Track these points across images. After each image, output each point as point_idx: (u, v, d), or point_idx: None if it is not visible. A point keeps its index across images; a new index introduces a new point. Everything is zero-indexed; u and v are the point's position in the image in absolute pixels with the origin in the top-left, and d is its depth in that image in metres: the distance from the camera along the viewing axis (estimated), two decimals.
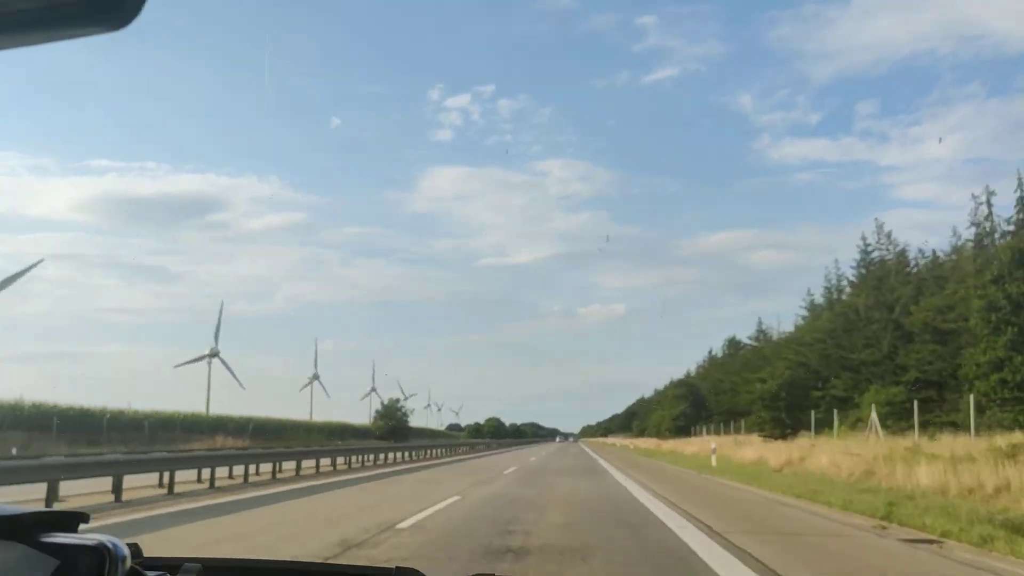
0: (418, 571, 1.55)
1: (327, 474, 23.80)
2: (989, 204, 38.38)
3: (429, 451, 41.42)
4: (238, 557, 1.65)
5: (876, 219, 69.69)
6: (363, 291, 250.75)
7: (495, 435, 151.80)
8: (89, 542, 0.85)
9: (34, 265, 49.32)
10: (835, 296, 65.55)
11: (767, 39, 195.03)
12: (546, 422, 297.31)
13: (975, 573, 7.57)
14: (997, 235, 37.46)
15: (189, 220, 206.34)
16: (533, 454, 47.79)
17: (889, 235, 56.70)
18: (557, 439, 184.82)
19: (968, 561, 8.13)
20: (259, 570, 1.64)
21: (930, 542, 9.42)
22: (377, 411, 75.25)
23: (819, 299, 66.42)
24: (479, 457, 42.90)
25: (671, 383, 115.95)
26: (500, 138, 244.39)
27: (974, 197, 39.55)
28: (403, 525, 10.57)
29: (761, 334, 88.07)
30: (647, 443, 62.76)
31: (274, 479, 21.00)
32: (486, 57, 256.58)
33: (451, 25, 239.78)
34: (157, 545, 6.73)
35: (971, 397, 24.33)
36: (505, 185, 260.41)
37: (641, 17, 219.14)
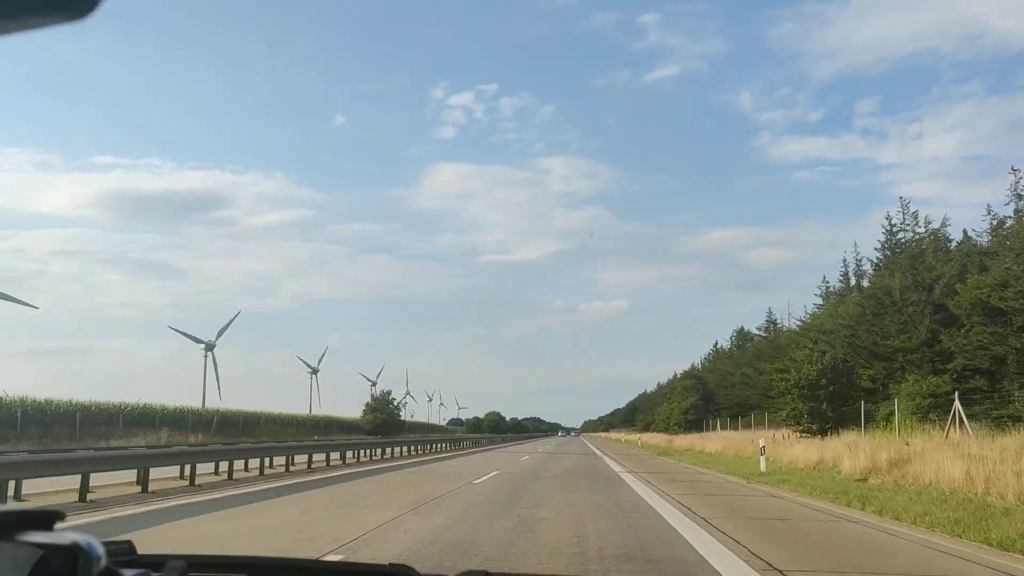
0: (411, 568, 1.52)
1: (271, 477, 19.38)
2: None
3: (406, 448, 36.83)
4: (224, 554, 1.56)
5: (901, 198, 65.04)
6: (367, 287, 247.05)
7: (495, 430, 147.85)
8: (63, 541, 0.82)
9: (25, 303, 46.35)
10: (853, 282, 61.45)
11: (768, 37, 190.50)
12: (548, 417, 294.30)
13: None
14: None
15: (194, 216, 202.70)
16: (529, 452, 42.73)
17: (915, 215, 52.91)
18: (560, 433, 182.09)
19: None
20: (246, 566, 1.57)
21: None
22: (367, 404, 70.66)
23: (837, 286, 62.93)
24: (464, 455, 37.26)
25: (679, 375, 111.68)
26: (503, 136, 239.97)
27: (1014, 170, 35.47)
28: None
29: (771, 325, 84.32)
30: (655, 439, 57.96)
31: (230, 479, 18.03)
32: (489, 56, 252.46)
33: (454, 24, 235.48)
34: None
35: None
36: (507, 182, 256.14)
37: (642, 16, 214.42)
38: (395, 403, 71.80)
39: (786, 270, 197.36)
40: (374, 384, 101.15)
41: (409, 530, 9.41)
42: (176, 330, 71.67)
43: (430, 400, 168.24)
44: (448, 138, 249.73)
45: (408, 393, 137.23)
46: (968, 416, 23.98)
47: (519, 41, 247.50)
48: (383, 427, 66.02)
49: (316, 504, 12.99)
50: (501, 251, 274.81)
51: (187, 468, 16.61)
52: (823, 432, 24.47)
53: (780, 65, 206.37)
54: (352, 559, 6.99)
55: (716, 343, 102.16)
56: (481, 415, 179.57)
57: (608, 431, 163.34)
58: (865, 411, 25.50)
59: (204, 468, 18.29)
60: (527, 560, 7.47)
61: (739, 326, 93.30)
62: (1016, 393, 30.92)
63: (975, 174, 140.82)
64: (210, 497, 13.87)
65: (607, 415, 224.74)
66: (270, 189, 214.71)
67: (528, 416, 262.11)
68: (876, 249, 53.43)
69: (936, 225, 45.33)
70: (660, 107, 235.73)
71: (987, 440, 16.95)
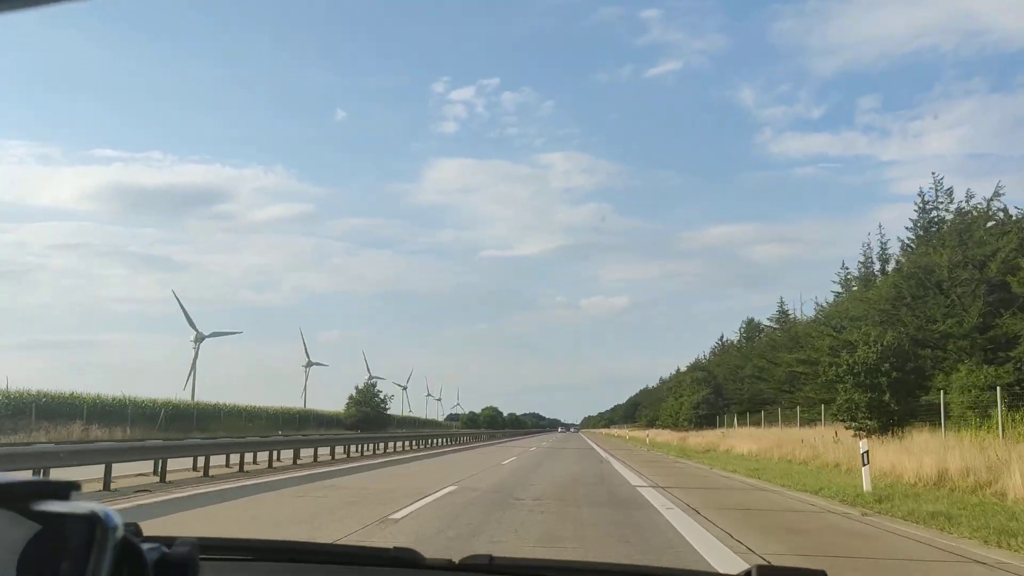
0: (416, 551, 1.53)
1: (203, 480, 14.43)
2: None
3: (373, 445, 31.93)
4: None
5: (933, 174, 60.32)
6: (368, 282, 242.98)
7: (491, 425, 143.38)
8: (81, 510, 0.81)
9: None
10: (878, 266, 56.71)
11: (769, 33, 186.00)
12: (547, 412, 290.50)
13: None
14: None
15: (195, 210, 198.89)
16: (519, 450, 37.56)
17: (950, 191, 48.32)
18: (559, 430, 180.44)
19: None
20: (256, 549, 1.61)
21: None
22: (350, 397, 65.60)
23: (856, 273, 58.22)
24: (438, 455, 31.23)
25: (682, 370, 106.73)
26: (504, 131, 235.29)
27: None
28: None
29: (782, 316, 79.47)
30: (664, 436, 52.68)
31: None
32: (491, 50, 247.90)
33: (456, 19, 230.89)
34: None
35: None
36: (509, 178, 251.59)
37: (644, 11, 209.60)
38: (381, 396, 66.88)
39: (788, 266, 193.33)
40: (371, 377, 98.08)
41: None
42: (178, 300, 72.49)
43: (428, 395, 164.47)
44: (449, 133, 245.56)
45: (405, 388, 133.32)
46: None
47: (521, 36, 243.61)
48: (366, 421, 61.05)
49: None
50: (502, 247, 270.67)
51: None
52: (885, 430, 19.45)
53: (781, 61, 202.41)
54: None
55: (722, 336, 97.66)
56: (479, 410, 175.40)
57: (609, 427, 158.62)
58: (912, 407, 20.61)
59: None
60: None
61: (749, 317, 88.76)
62: None
63: (976, 172, 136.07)
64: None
65: (607, 411, 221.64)
66: (271, 183, 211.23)
67: (528, 411, 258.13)
68: (907, 228, 48.95)
69: (979, 201, 40.33)
70: (662, 103, 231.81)
71: None
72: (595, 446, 45.93)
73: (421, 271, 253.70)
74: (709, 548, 8.07)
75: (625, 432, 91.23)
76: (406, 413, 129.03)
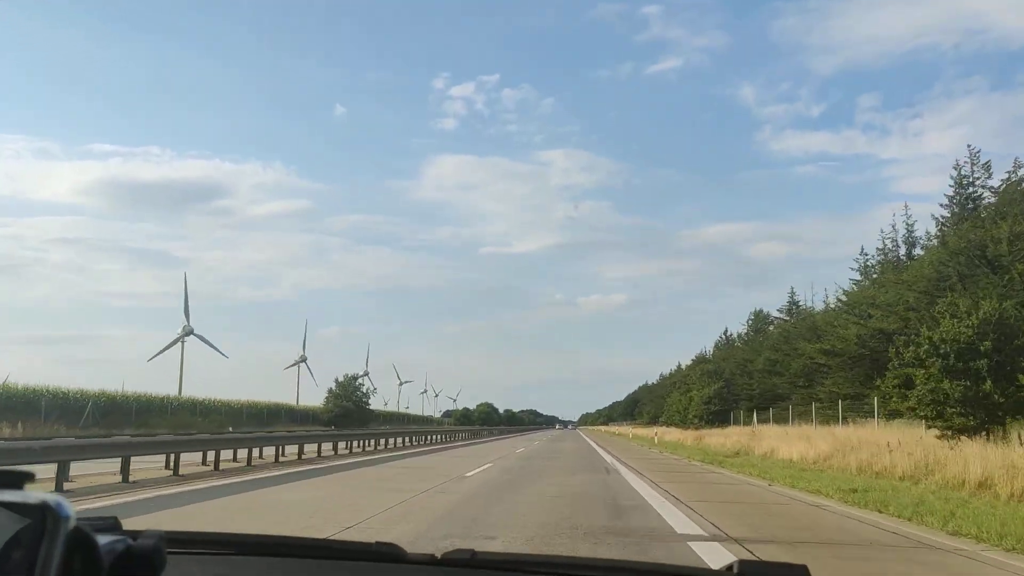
0: (398, 546, 1.50)
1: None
2: None
3: (337, 444, 27.26)
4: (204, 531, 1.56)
5: (969, 145, 55.92)
6: (366, 278, 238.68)
7: (486, 422, 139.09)
8: (32, 500, 0.81)
9: None
10: (903, 250, 52.27)
11: (770, 31, 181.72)
12: (545, 409, 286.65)
13: None
14: None
15: (193, 206, 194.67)
16: (506, 451, 32.51)
17: (987, 165, 44.13)
18: (556, 426, 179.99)
19: None
20: (227, 543, 1.53)
21: None
22: (330, 391, 60.84)
23: (875, 261, 53.82)
24: (404, 457, 25.64)
25: (683, 367, 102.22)
26: (504, 128, 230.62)
27: None
28: None
29: (793, 307, 75.16)
30: (672, 434, 47.66)
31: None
32: (491, 47, 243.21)
33: (456, 14, 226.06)
34: None
35: None
36: (508, 174, 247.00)
37: (645, 7, 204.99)
38: (363, 390, 62.09)
39: (787, 264, 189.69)
40: (366, 373, 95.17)
41: None
42: (185, 286, 70.16)
43: (424, 392, 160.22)
44: (449, 129, 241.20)
45: (401, 382, 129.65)
46: None
47: (521, 32, 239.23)
48: (345, 417, 56.32)
49: None
50: (501, 243, 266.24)
51: None
52: (984, 430, 14.65)
53: (782, 59, 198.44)
54: None
55: (726, 330, 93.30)
56: (474, 407, 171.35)
57: (608, 424, 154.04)
58: (1019, 398, 15.97)
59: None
60: None
61: (757, 308, 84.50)
62: None
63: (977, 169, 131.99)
64: None
65: (605, 408, 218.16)
66: (270, 179, 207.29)
67: (525, 408, 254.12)
68: (943, 205, 44.79)
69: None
70: (662, 100, 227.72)
71: None
72: (594, 446, 41.06)
73: (420, 268, 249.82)
74: None
75: (628, 430, 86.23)
76: (403, 409, 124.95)
